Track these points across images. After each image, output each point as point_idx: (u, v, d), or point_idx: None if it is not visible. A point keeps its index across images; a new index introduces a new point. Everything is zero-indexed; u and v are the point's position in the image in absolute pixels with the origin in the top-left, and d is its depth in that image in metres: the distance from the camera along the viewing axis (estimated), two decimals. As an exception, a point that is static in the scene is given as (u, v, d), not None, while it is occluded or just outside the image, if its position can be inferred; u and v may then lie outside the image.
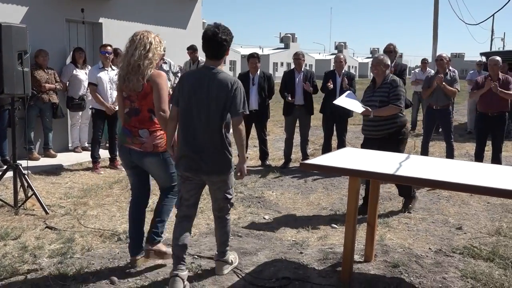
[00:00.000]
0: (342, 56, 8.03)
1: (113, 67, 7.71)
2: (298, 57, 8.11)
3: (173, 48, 10.64)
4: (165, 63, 9.65)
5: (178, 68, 10.57)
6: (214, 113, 3.49)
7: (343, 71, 7.92)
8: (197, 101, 3.51)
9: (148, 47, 3.74)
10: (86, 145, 8.84)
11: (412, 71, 13.19)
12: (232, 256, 4.04)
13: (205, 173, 3.58)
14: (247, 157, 3.63)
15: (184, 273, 3.62)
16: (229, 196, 3.74)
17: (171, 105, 3.67)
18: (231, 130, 3.62)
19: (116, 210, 5.63)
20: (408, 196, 5.80)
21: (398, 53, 7.77)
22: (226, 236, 3.89)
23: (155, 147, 3.77)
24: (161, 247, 4.01)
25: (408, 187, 5.65)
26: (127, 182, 6.79)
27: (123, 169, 7.56)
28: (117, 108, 7.50)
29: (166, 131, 3.71)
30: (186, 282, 3.62)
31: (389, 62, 5.54)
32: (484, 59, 12.69)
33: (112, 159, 7.78)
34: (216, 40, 3.48)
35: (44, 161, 7.94)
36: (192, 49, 10.61)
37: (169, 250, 3.96)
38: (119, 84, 3.86)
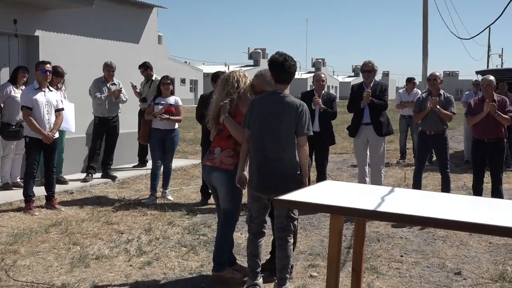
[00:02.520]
0: (323, 75, 8.11)
1: (50, 88, 7.61)
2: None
3: (124, 65, 10.63)
4: (114, 84, 9.63)
5: (134, 88, 10.56)
6: (281, 134, 4.38)
7: (323, 91, 8.01)
8: (266, 124, 4.43)
9: (236, 84, 4.93)
10: (18, 180, 8.64)
11: (397, 93, 13.19)
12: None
13: (273, 191, 4.26)
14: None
15: (260, 281, 4.59)
16: (293, 215, 4.49)
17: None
18: None
19: (53, 258, 5.49)
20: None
21: (377, 70, 7.91)
22: (287, 261, 4.50)
23: (222, 163, 4.84)
24: (226, 273, 4.89)
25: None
26: (67, 225, 6.68)
27: (62, 208, 7.50)
28: (56, 136, 7.46)
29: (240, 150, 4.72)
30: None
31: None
32: (480, 78, 13.03)
33: (49, 197, 7.61)
34: (287, 65, 4.44)
35: (-35, 201, 7.72)
36: (144, 67, 10.61)
37: (236, 275, 4.96)
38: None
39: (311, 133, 4.50)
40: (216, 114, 5.00)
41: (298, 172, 4.49)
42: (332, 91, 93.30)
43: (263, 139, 4.47)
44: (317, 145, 7.76)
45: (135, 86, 10.71)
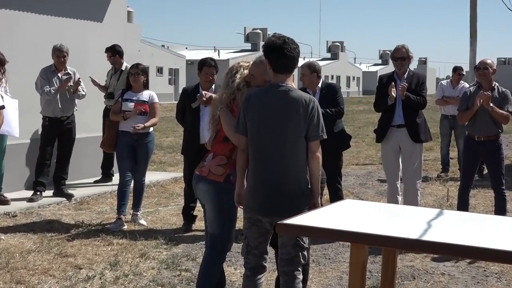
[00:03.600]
0: (311, 65, 7.90)
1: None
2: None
3: (83, 49, 10.64)
4: (68, 74, 9.63)
5: (96, 84, 10.56)
6: (288, 138, 4.41)
7: (318, 85, 7.84)
8: (267, 125, 4.46)
9: (230, 80, 5.03)
10: None
11: (439, 84, 13.18)
12: None
13: (279, 214, 4.23)
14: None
15: None
16: (302, 244, 4.46)
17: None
18: None
19: (-10, 301, 5.49)
20: None
21: (413, 57, 7.84)
22: None
23: (209, 173, 4.91)
24: None
25: None
26: (8, 258, 6.66)
27: (2, 236, 7.49)
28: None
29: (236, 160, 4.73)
30: None
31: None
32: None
33: (-14, 221, 7.61)
34: (288, 49, 4.42)
35: None
36: (112, 51, 10.59)
37: None
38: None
39: (325, 136, 4.53)
40: (216, 114, 5.06)
41: (309, 187, 4.50)
42: (353, 84, 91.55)
43: (263, 145, 4.48)
44: (324, 154, 7.59)
45: (96, 81, 10.67)
